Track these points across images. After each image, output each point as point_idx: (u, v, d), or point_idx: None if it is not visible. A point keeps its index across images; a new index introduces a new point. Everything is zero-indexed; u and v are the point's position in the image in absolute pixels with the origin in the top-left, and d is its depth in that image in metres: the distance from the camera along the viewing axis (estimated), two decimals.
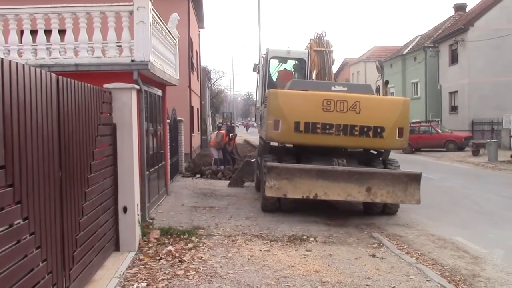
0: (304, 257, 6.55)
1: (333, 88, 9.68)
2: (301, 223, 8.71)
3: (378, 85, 12.82)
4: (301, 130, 9.02)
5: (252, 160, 14.24)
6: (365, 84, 13.50)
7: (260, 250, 6.87)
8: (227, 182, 13.91)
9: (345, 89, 9.75)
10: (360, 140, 9.13)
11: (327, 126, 9.00)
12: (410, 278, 5.75)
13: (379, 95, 13.42)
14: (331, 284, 5.47)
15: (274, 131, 9.16)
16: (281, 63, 12.96)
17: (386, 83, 14.12)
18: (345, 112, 8.99)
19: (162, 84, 10.77)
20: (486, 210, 10.29)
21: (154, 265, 5.96)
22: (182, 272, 5.72)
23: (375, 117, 9.05)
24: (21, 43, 8.20)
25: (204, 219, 8.97)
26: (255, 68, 13.63)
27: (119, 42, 8.01)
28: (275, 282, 5.49)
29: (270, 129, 9.20)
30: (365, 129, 9.02)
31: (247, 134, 48.20)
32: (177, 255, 6.37)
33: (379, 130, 9.04)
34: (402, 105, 9.29)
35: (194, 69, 22.76)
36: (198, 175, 15.46)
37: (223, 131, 18.44)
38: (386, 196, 8.72)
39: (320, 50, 11.85)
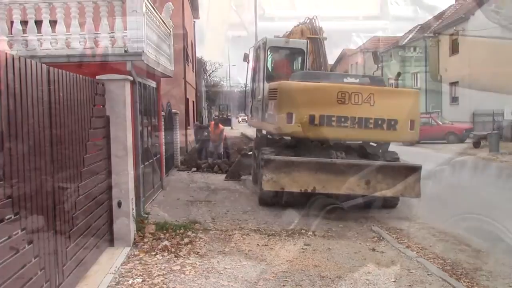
0: (303, 252, 6.45)
1: (345, 80, 9.46)
2: (299, 217, 8.57)
3: None
4: (316, 123, 8.73)
5: (249, 153, 14.09)
6: (376, 76, 13.33)
7: (258, 244, 6.77)
8: (224, 175, 13.75)
9: (357, 80, 9.56)
10: (374, 133, 8.93)
11: (342, 119, 8.76)
12: (411, 272, 5.66)
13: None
14: (330, 278, 5.37)
15: (288, 125, 8.82)
16: (272, 53, 12.64)
17: (398, 75, 13.96)
18: (359, 104, 8.76)
19: (157, 76, 10.59)
20: (488, 202, 10.16)
21: (150, 261, 5.86)
22: (178, 267, 5.62)
23: (388, 110, 8.86)
24: (11, 34, 8.00)
25: (201, 213, 8.85)
26: (246, 58, 13.23)
27: (111, 32, 7.83)
28: (273, 277, 5.39)
29: (283, 123, 8.87)
30: (379, 122, 8.82)
31: (248, 128, 47.36)
32: (173, 250, 6.27)
33: (392, 122, 8.85)
34: (413, 97, 9.20)
35: (189, 60, 22.51)
36: (194, 169, 15.25)
37: (211, 123, 18.38)
38: (386, 189, 8.59)
39: (314, 37, 11.56)
